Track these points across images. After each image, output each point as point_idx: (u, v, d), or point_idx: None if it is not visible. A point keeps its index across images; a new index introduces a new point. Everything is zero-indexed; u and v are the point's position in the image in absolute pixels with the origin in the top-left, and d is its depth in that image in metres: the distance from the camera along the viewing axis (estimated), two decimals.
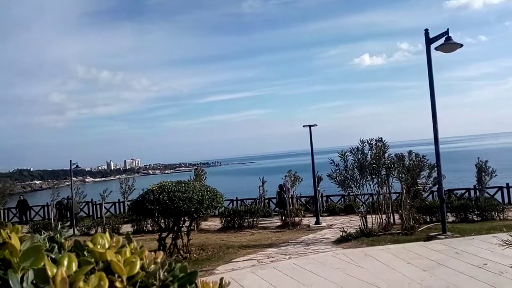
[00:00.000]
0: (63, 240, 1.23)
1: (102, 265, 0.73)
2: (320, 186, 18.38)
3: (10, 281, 0.64)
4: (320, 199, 18.30)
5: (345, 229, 11.23)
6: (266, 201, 19.99)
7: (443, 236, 9.82)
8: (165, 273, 0.86)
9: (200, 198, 9.25)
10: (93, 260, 0.73)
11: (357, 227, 11.61)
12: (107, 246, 0.78)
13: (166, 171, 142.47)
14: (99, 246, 0.76)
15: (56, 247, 1.18)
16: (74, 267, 0.66)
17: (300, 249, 10.02)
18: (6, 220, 20.75)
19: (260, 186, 19.79)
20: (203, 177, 17.25)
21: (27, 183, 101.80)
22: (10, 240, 0.73)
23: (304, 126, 16.02)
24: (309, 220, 15.88)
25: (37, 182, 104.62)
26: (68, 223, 18.41)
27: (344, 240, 10.55)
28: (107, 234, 0.84)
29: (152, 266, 0.86)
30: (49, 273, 0.62)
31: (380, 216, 11.52)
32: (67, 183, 22.98)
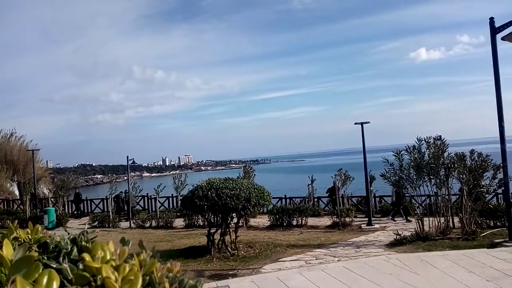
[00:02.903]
0: (84, 243, 1.16)
1: (100, 282, 0.63)
2: (373, 186, 17.74)
3: None
4: (373, 200, 17.62)
5: (400, 232, 10.66)
6: (316, 200, 19.62)
7: (510, 244, 8.97)
8: None
9: (247, 195, 9.21)
10: (90, 276, 0.62)
11: (413, 230, 10.98)
12: (108, 258, 0.68)
13: (217, 168, 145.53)
14: (98, 258, 0.65)
15: (75, 250, 1.12)
16: (55, 285, 0.56)
17: (351, 252, 9.65)
18: (69, 212, 22.21)
19: (309, 185, 19.45)
20: (251, 174, 17.27)
21: (90, 177, 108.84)
22: (1, 250, 0.65)
23: (356, 123, 15.48)
24: (361, 221, 15.33)
25: (99, 176, 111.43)
26: (125, 216, 19.36)
27: (398, 243, 10.02)
28: (110, 244, 0.74)
29: (165, 281, 0.75)
30: None
31: (438, 219, 10.81)
32: (125, 178, 24.14)
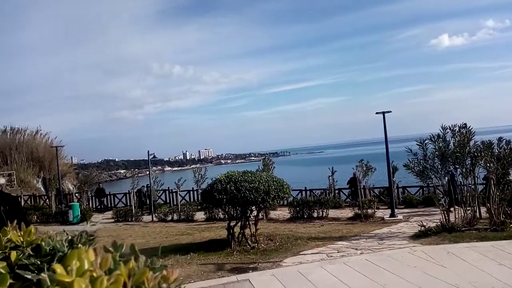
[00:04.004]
0: (80, 245, 1.08)
1: None
2: (396, 176, 17.36)
3: None
4: (396, 190, 17.24)
5: (424, 223, 10.36)
6: (336, 191, 19.37)
7: None
8: None
9: (267, 188, 9.12)
10: None
11: (438, 221, 10.65)
12: (85, 268, 0.58)
13: (237, 161, 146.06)
14: (72, 270, 0.55)
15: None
16: None
17: (373, 244, 9.44)
18: (93, 207, 22.68)
19: (329, 176, 19.20)
20: (271, 167, 17.16)
21: (113, 172, 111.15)
22: None
23: (377, 113, 15.10)
24: (383, 213, 15.04)
25: (122, 171, 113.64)
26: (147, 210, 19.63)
27: (423, 235, 9.73)
28: (90, 251, 0.63)
29: None
30: None
31: (464, 209, 10.44)
32: (147, 172, 24.45)
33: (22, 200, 25.70)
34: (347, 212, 15.40)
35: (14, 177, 32.25)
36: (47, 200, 24.04)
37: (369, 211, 14.34)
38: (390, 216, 14.17)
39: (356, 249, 8.93)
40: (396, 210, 14.59)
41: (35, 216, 19.65)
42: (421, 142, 10.99)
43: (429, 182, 11.85)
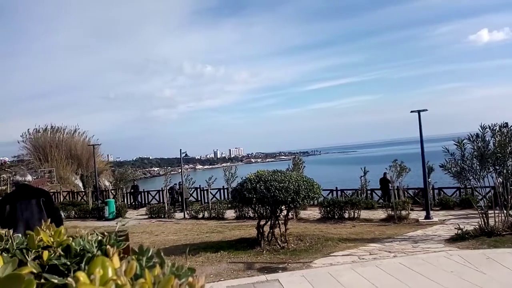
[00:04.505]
0: (108, 247, 1.08)
1: None
2: (431, 177, 16.80)
3: None
4: (431, 192, 16.69)
5: (461, 226, 9.94)
6: (369, 192, 18.97)
7: None
8: None
9: (296, 188, 9.03)
10: None
11: (476, 224, 10.19)
12: (109, 275, 0.57)
13: (267, 160, 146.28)
14: (95, 278, 0.55)
15: (99, 254, 1.04)
16: None
17: (407, 247, 9.15)
18: (127, 204, 23.35)
19: (362, 176, 18.82)
20: (301, 166, 17.02)
21: (147, 169, 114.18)
22: None
23: (412, 111, 14.63)
24: (418, 214, 14.57)
25: (155, 169, 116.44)
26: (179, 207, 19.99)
27: (460, 238, 9.34)
28: (115, 257, 0.63)
29: None
30: None
31: (505, 212, 9.93)
32: (179, 170, 24.91)
33: (61, 196, 26.87)
34: (380, 214, 15.04)
35: (54, 173, 33.76)
36: (84, 196, 24.98)
37: (403, 212, 13.93)
38: (425, 218, 13.72)
39: (389, 251, 8.69)
40: (431, 212, 14.12)
41: (73, 212, 20.47)
42: (458, 142, 10.54)
43: (467, 184, 11.38)
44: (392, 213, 13.94)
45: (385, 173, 18.12)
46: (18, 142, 39.52)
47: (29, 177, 5.13)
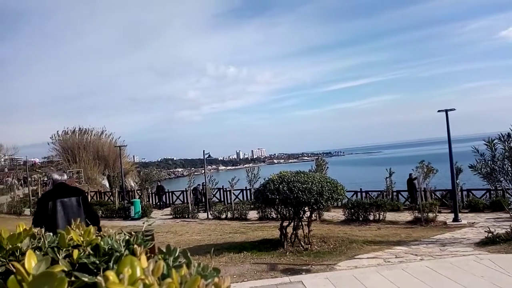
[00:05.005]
0: (136, 246, 1.10)
1: None
2: (459, 178, 16.30)
3: None
4: (459, 193, 16.21)
5: (491, 229, 9.59)
6: (394, 194, 18.59)
7: None
8: None
9: (320, 189, 8.95)
10: None
11: (507, 227, 9.80)
12: (137, 275, 0.58)
13: (290, 161, 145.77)
14: (124, 278, 0.55)
15: (127, 253, 1.06)
16: None
17: (435, 250, 8.91)
18: (152, 204, 23.76)
19: (387, 178, 18.47)
20: (324, 167, 16.87)
21: (172, 170, 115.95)
22: (19, 265, 0.58)
23: (439, 111, 14.25)
24: (446, 217, 14.18)
25: (179, 170, 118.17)
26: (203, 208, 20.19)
27: (490, 242, 9.01)
28: (143, 257, 0.63)
29: None
30: None
31: None
32: (202, 171, 25.17)
33: (89, 196, 27.62)
34: (406, 216, 14.71)
35: (82, 174, 34.76)
36: (111, 196, 25.60)
37: (430, 215, 13.58)
38: (453, 221, 13.34)
39: (416, 254, 8.48)
40: (459, 215, 13.72)
41: (100, 211, 20.99)
42: (489, 142, 10.20)
43: (498, 185, 11.00)
44: (419, 215, 13.62)
45: (410, 174, 17.74)
46: (48, 144, 40.98)
47: (65, 176, 5.43)
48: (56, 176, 5.22)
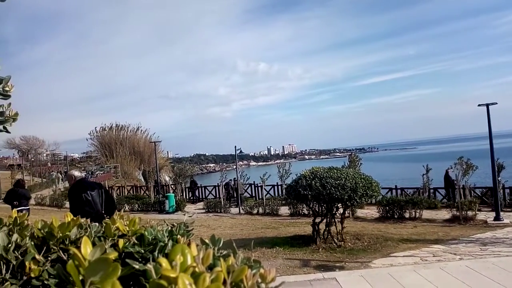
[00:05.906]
0: (179, 236, 1.12)
1: None
2: (501, 175, 15.54)
3: None
4: (501, 191, 15.44)
5: None
6: (432, 191, 17.98)
7: None
8: None
9: (354, 185, 8.79)
10: (167, 284, 0.54)
11: None
12: (188, 263, 0.58)
13: (321, 157, 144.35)
14: (176, 265, 0.56)
15: (170, 244, 1.08)
16: None
17: (475, 249, 8.56)
18: (186, 198, 24.24)
19: (424, 174, 17.88)
20: (357, 164, 16.56)
21: (204, 165, 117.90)
22: (78, 250, 0.60)
23: (479, 105, 13.63)
24: (486, 215, 13.58)
25: (211, 165, 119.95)
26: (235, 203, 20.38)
27: None
28: (193, 245, 0.64)
29: None
30: None
31: None
32: (234, 167, 25.38)
33: (125, 190, 28.54)
34: (444, 214, 14.22)
35: (119, 169, 35.95)
36: (147, 190, 26.33)
37: (469, 213, 13.04)
38: (494, 220, 12.76)
39: (455, 254, 8.18)
40: (501, 213, 13.09)
41: (137, 205, 21.66)
42: None
43: None
44: (457, 213, 13.12)
45: (447, 170, 17.13)
46: (86, 140, 42.67)
47: (83, 174, 6.65)
48: (76, 173, 6.09)
